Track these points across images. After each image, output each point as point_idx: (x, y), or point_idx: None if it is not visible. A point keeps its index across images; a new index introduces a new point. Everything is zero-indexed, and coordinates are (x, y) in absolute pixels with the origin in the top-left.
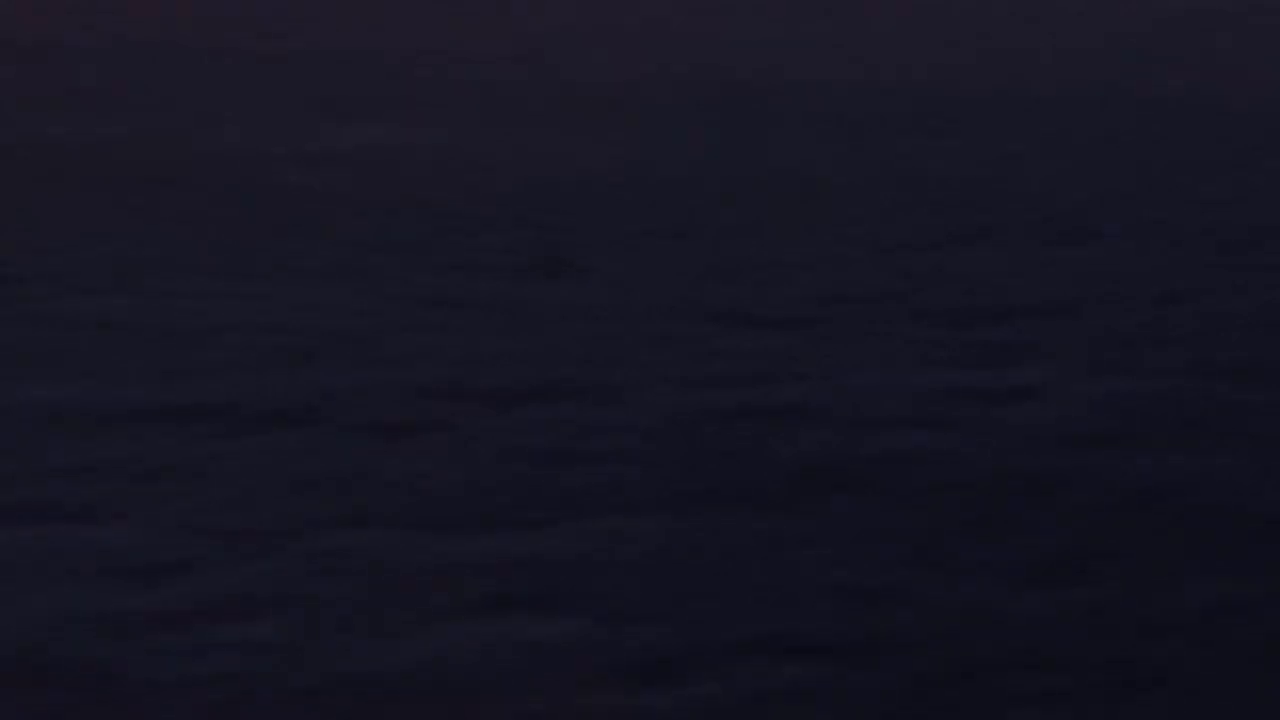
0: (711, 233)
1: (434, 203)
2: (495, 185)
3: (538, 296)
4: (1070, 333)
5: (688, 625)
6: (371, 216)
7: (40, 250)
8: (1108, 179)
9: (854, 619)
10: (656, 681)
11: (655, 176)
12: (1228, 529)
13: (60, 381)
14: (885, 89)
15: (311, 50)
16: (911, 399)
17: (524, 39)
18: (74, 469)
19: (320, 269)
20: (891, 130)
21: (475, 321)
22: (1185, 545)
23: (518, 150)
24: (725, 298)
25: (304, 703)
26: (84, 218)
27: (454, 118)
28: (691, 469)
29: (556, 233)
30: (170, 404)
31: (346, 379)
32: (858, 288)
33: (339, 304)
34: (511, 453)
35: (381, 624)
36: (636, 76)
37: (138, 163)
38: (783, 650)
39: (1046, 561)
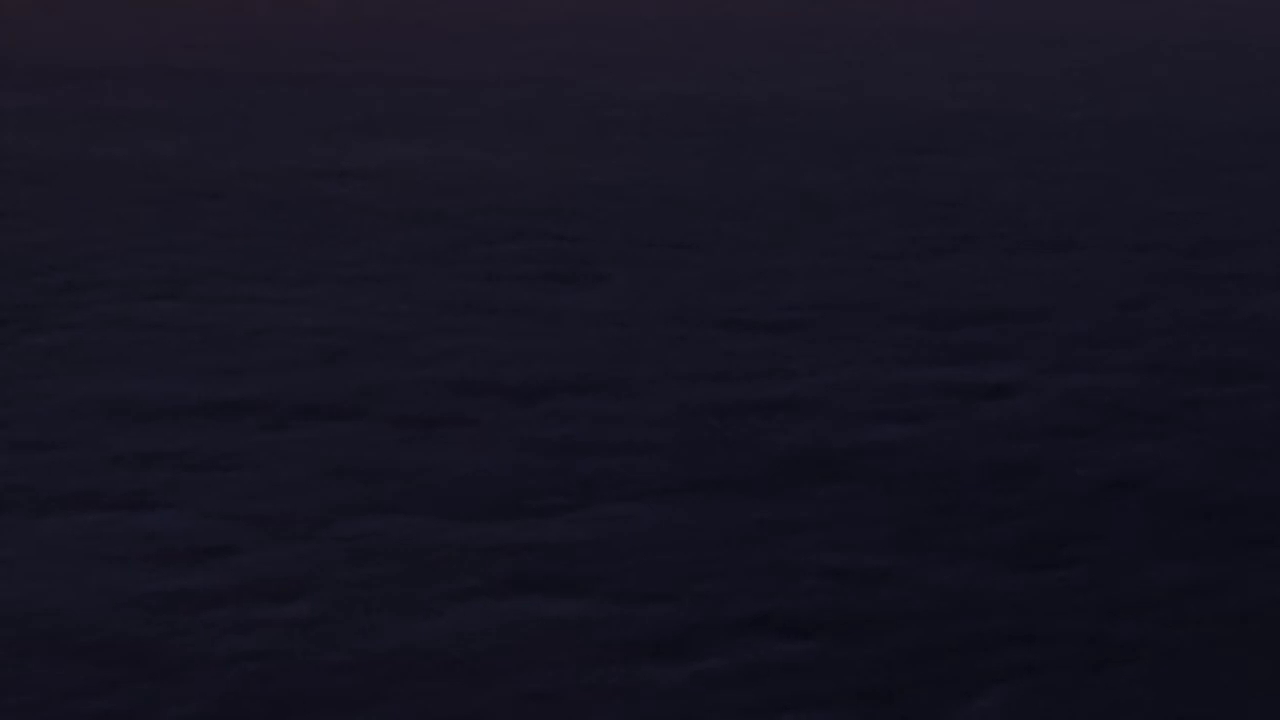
0: (714, 243)
1: (459, 215)
2: (516, 199)
3: (555, 302)
4: (1042, 334)
5: (691, 604)
6: (401, 227)
7: (98, 259)
8: (1078, 194)
9: (843, 599)
10: (661, 656)
11: (663, 191)
12: (1189, 515)
13: (116, 379)
14: (873, 111)
15: (344, 74)
16: (895, 395)
17: (542, 65)
18: (127, 460)
19: (355, 276)
20: (879, 149)
21: (498, 324)
22: (1150, 530)
23: (537, 167)
24: (726, 303)
25: (336, 676)
26: (137, 229)
27: (477, 136)
28: (694, 459)
29: (572, 243)
30: (216, 400)
31: (379, 377)
32: (847, 294)
33: (372, 308)
34: (530, 445)
35: (408, 604)
36: (646, 99)
37: (185, 179)
38: (778, 627)
39: (1021, 545)
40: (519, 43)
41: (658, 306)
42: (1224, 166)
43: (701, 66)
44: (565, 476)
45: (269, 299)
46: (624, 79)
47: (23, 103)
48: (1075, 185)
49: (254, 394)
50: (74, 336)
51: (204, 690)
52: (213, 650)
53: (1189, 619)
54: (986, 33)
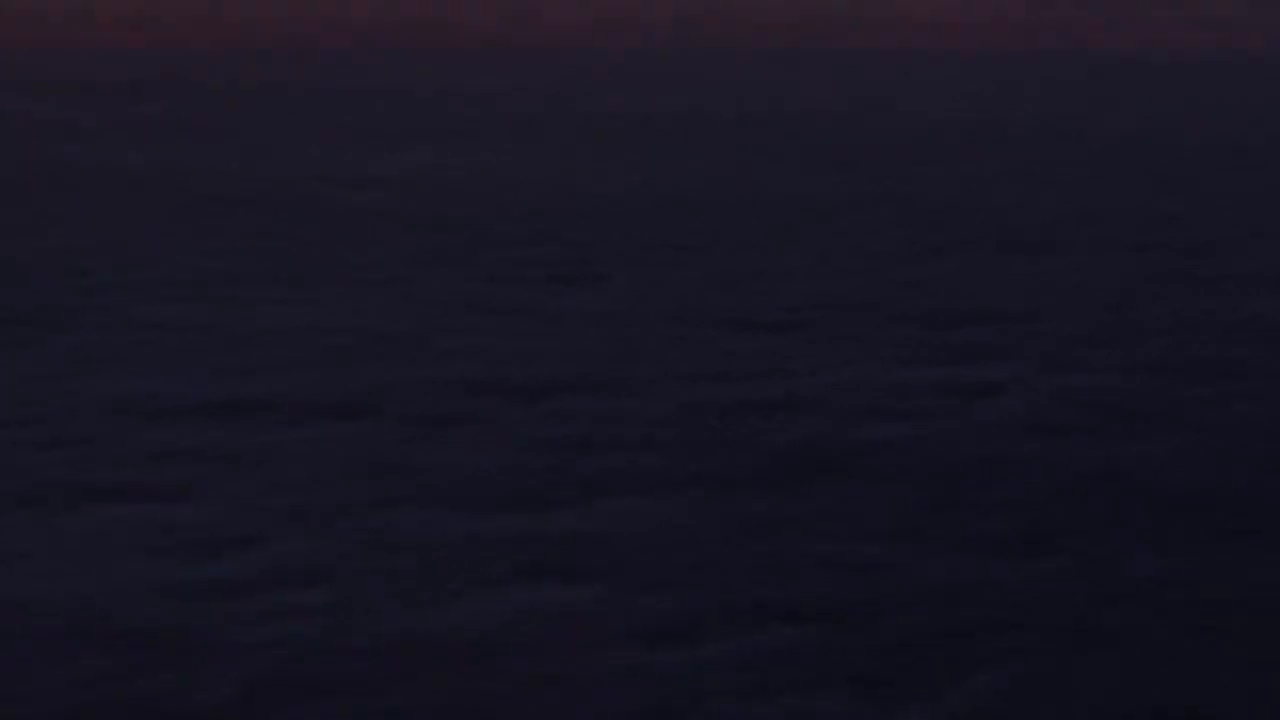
0: (715, 246)
1: (469, 220)
2: (523, 205)
3: (559, 303)
4: (1032, 334)
5: (693, 593)
6: (414, 232)
7: (124, 262)
8: (1066, 201)
9: (840, 588)
10: (664, 643)
11: (664, 196)
12: (1171, 507)
13: (141, 377)
14: (870, 122)
15: (360, 88)
16: (893, 393)
17: (547, 78)
18: (151, 455)
19: (370, 278)
20: (876, 158)
21: (506, 324)
22: (1133, 521)
23: (541, 174)
24: (726, 304)
25: (354, 662)
26: (161, 235)
27: (487, 146)
28: (696, 455)
29: (576, 246)
30: (236, 397)
31: (391, 376)
32: (844, 295)
33: (386, 309)
34: (538, 441)
35: (421, 592)
36: (647, 110)
37: (208, 186)
38: (777, 614)
39: (1010, 537)
40: (523, 58)
41: (659, 307)
42: (1209, 175)
43: (701, 79)
44: (571, 471)
45: (287, 301)
46: (626, 91)
47: (56, 115)
48: (1064, 193)
49: (273, 392)
50: (100, 337)
51: (229, 675)
52: (236, 637)
53: (1171, 607)
54: (970, 51)
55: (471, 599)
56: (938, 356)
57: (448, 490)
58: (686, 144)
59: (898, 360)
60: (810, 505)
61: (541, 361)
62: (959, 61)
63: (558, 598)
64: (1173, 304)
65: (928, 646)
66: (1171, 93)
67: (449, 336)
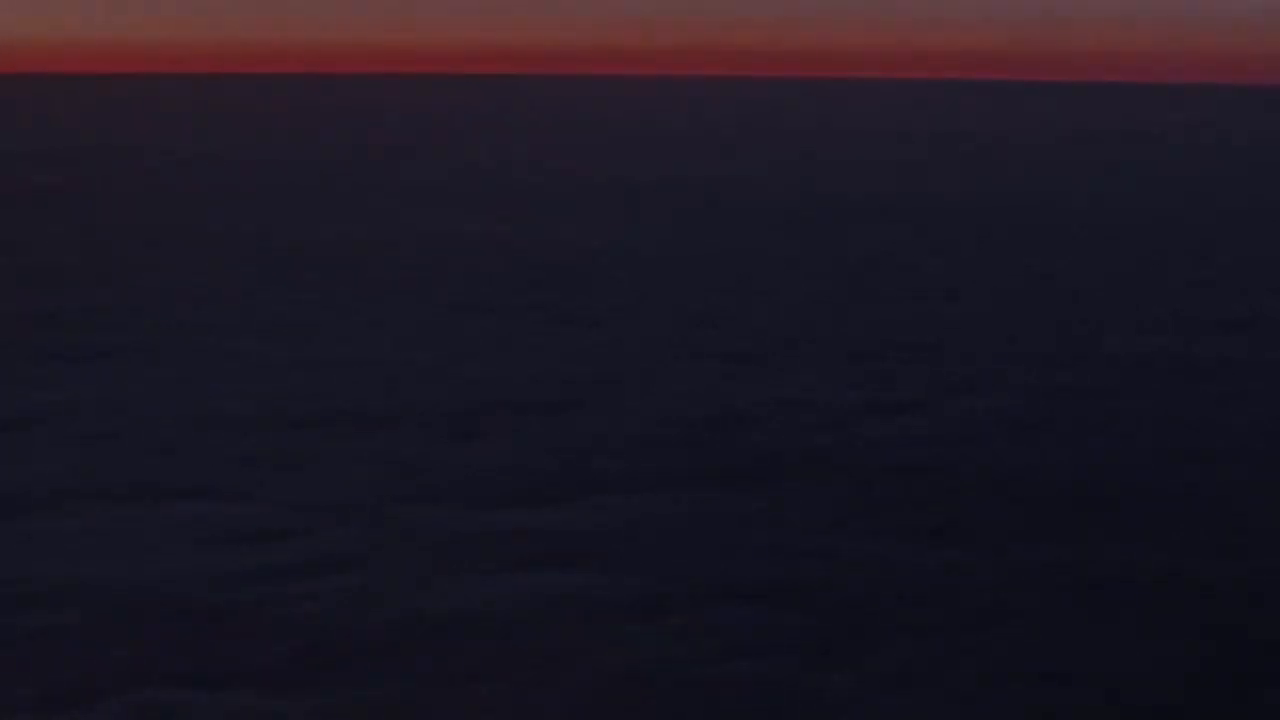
0: (687, 292)
1: (483, 271)
2: (529, 259)
3: (560, 338)
4: (940, 363)
5: (671, 577)
6: (437, 282)
7: (192, 306)
8: (966, 255)
9: (786, 570)
10: (649, 620)
11: (643, 252)
12: (1057, 502)
13: (192, 397)
14: (812, 196)
15: (394, 157)
16: (831, 410)
17: (546, 152)
18: (204, 460)
19: (400, 319)
20: (816, 222)
21: (513, 356)
22: (1027, 515)
23: (543, 233)
24: (700, 338)
25: (380, 638)
26: (216, 280)
27: (496, 211)
28: (677, 460)
29: (572, 293)
30: (281, 413)
31: (419, 396)
32: (794, 331)
33: (414, 342)
34: (542, 449)
35: (440, 579)
36: (633, 179)
37: (263, 244)
38: (734, 594)
39: (930, 527)
40: (526, 135)
41: (643, 341)
42: (1078, 230)
43: (680, 152)
44: (572, 474)
45: (328, 337)
46: (613, 163)
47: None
48: (962, 248)
49: (316, 409)
50: (161, 361)
51: (273, 648)
52: (280, 615)
53: (1068, 588)
54: (893, 130)
55: (483, 584)
56: (865, 381)
57: (466, 490)
58: (665, 207)
59: (834, 383)
60: (772, 501)
61: (542, 385)
62: (879, 140)
63: (558, 583)
64: (1051, 339)
65: (861, 619)
66: (1042, 163)
67: (469, 364)
